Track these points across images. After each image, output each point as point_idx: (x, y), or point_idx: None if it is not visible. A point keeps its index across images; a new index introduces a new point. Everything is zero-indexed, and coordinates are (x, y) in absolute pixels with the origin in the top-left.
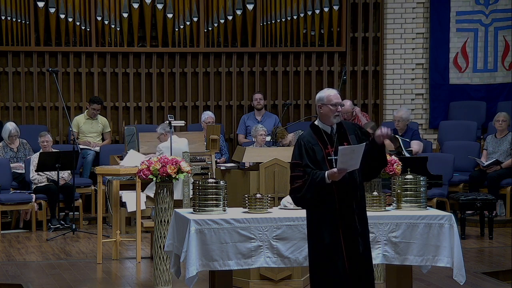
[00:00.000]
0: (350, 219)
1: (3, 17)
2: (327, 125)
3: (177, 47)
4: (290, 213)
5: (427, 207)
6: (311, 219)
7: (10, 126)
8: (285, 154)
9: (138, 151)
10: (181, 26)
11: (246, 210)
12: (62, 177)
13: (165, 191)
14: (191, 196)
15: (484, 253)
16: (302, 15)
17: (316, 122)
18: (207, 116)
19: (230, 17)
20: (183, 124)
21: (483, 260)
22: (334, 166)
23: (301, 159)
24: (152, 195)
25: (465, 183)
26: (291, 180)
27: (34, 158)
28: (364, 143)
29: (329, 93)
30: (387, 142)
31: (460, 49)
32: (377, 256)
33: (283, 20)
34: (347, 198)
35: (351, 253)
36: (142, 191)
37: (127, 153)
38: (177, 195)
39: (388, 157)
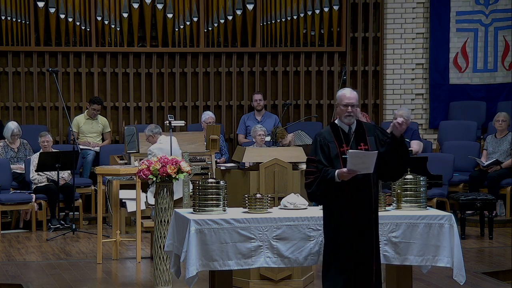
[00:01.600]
0: (362, 218)
1: (3, 17)
2: (344, 124)
3: (177, 47)
4: (290, 213)
5: (427, 207)
6: (325, 216)
7: (12, 125)
8: (285, 154)
9: (138, 151)
10: (181, 26)
11: (246, 210)
12: (62, 177)
13: (165, 191)
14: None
15: (484, 253)
16: (302, 15)
17: (336, 121)
18: (207, 116)
19: (230, 17)
20: (183, 124)
21: (483, 260)
22: None
23: (315, 155)
24: (152, 202)
25: (465, 183)
26: (305, 175)
27: (34, 158)
28: (376, 151)
29: (343, 93)
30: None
31: (460, 49)
32: None
33: (283, 20)
34: (359, 198)
35: (364, 253)
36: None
37: (127, 153)
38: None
39: None
